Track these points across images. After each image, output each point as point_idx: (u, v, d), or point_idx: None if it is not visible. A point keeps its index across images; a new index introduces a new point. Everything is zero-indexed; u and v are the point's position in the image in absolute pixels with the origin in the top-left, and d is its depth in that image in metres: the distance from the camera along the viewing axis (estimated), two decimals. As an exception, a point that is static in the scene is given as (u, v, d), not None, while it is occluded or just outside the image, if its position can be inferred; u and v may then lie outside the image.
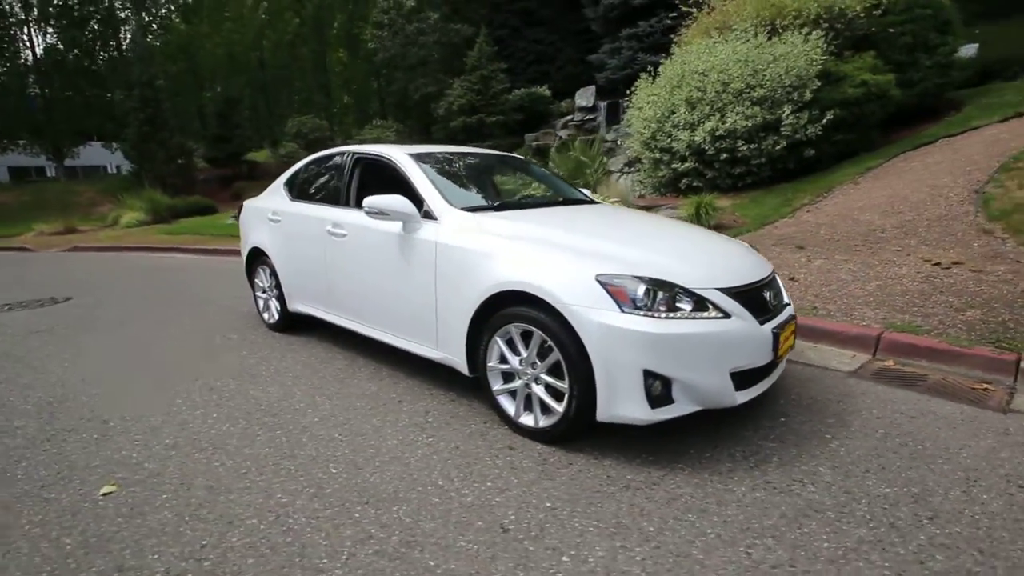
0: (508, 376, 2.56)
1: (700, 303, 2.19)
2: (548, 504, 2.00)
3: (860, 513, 1.90)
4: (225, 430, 2.66)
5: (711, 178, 8.15)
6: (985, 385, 2.93)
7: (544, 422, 2.40)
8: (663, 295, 2.16)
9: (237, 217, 4.78)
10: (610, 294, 2.15)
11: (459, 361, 2.74)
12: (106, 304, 5.72)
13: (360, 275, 3.31)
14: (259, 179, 18.30)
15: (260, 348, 3.95)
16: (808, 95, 7.33)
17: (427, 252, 2.80)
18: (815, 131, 7.36)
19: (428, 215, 2.90)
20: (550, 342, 2.29)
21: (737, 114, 7.50)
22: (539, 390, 2.41)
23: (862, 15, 8.03)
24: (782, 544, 1.76)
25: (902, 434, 2.43)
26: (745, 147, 7.60)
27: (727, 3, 9.03)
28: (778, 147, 7.54)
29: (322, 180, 3.92)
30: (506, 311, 2.43)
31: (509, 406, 2.54)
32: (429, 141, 18.21)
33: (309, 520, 1.95)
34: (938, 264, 4.32)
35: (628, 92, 10.30)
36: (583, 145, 10.02)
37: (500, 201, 3.24)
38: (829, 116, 7.31)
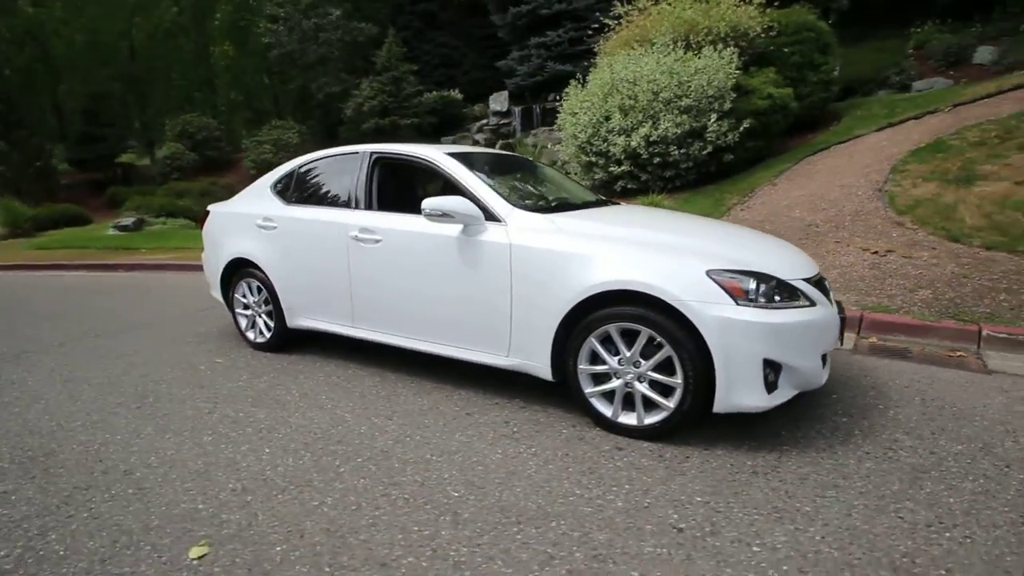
0: (600, 377, 2.54)
1: (792, 293, 2.36)
2: (699, 499, 2.03)
3: (956, 470, 2.17)
4: (294, 464, 2.35)
5: (645, 180, 8.67)
6: (958, 353, 3.47)
7: (650, 419, 2.43)
8: (766, 287, 2.30)
9: (203, 224, 4.15)
10: (724, 288, 2.24)
11: (539, 366, 2.67)
12: (24, 332, 4.72)
13: (400, 283, 3.09)
14: (138, 183, 16.10)
15: (262, 371, 3.51)
16: (728, 105, 8.09)
17: (499, 255, 2.70)
18: (734, 138, 8.15)
19: (491, 217, 2.79)
20: (660, 339, 2.32)
21: (668, 121, 8.06)
22: (643, 388, 2.43)
23: (761, 35, 9.03)
24: (920, 505, 1.95)
25: (934, 398, 2.80)
26: (676, 152, 8.19)
27: (645, 19, 9.66)
28: (704, 152, 8.22)
29: (329, 182, 3.60)
30: (606, 311, 2.42)
31: (604, 408, 2.53)
32: (336, 143, 17.29)
33: (472, 549, 1.80)
34: (876, 253, 5.01)
35: (553, 98, 10.62)
36: (524, 148, 10.10)
37: (556, 201, 3.21)
38: (745, 124, 8.13)
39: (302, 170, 3.75)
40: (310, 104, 16.97)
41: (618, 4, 10.51)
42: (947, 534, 1.80)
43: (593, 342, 2.49)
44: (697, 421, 2.42)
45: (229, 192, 15.69)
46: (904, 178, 6.57)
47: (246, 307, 3.96)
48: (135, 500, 2.13)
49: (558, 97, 10.63)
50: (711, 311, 2.21)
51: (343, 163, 3.56)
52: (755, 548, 1.76)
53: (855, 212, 6.05)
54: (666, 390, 2.39)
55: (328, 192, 3.57)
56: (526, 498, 2.07)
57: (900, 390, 2.91)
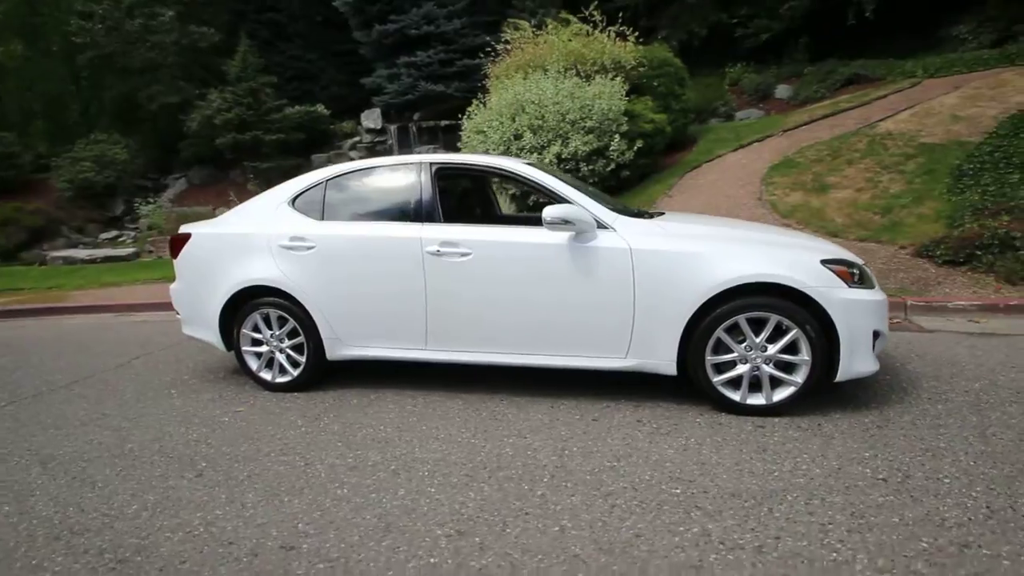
0: (722, 366, 2.77)
1: (864, 277, 2.87)
2: (866, 454, 2.36)
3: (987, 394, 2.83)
4: (481, 497, 2.15)
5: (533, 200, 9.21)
6: (895, 320, 4.43)
7: (777, 396, 2.72)
8: (859, 272, 2.77)
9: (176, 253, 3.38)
10: (837, 275, 2.65)
11: (662, 363, 2.81)
12: None
13: (495, 297, 2.97)
14: None
15: (309, 412, 3.05)
16: (624, 127, 9.03)
17: (619, 259, 2.78)
18: (630, 156, 9.11)
19: (600, 224, 2.86)
20: (787, 322, 2.64)
21: (577, 140, 8.71)
22: (770, 369, 2.72)
23: (635, 68, 10.26)
24: (1001, 425, 2.53)
25: (920, 354, 3.56)
26: (585, 168, 8.88)
27: (535, 47, 10.31)
28: (608, 168, 9.04)
29: (378, 196, 3.29)
30: (737, 302, 2.66)
31: (731, 393, 2.76)
32: (177, 159, 15.04)
33: (750, 534, 1.87)
34: (789, 249, 6.07)
35: (419, 117, 10.67)
36: None
37: (637, 209, 3.36)
38: (639, 144, 9.15)
39: (334, 183, 3.36)
40: (138, 115, 14.51)
41: (507, 30, 11.05)
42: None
43: (721, 333, 2.72)
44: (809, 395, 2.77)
45: (49, 220, 12.59)
46: (775, 188, 8.01)
47: (257, 343, 3.39)
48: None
49: (436, 117, 10.73)
50: (836, 295, 2.60)
51: (393, 175, 3.30)
52: (945, 480, 2.14)
53: (749, 217, 7.20)
54: (787, 369, 2.72)
55: (380, 206, 3.27)
56: (740, 481, 2.20)
57: (906, 356, 3.62)
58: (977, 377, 3.13)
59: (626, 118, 9.14)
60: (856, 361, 2.65)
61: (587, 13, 10.62)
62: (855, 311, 2.61)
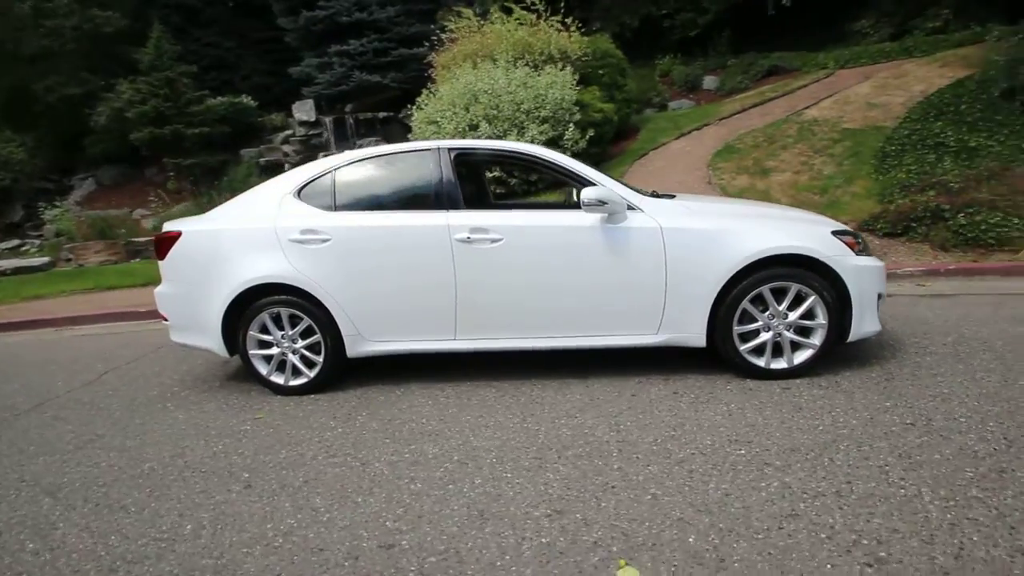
0: (749, 335, 2.95)
1: (865, 246, 3.13)
2: (888, 403, 2.61)
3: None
4: (563, 484, 2.17)
5: (513, 184, 9.25)
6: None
7: (797, 360, 2.94)
8: (861, 242, 3.03)
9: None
10: (846, 245, 2.89)
11: (692, 336, 2.95)
12: None
13: (529, 281, 2.98)
14: None
15: (338, 412, 2.94)
16: (577, 116, 9.21)
17: (651, 239, 2.88)
18: (583, 145, 9.32)
19: (628, 205, 2.94)
20: (805, 290, 2.85)
21: (534, 130, 8.79)
22: (790, 335, 2.92)
23: (581, 58, 10.47)
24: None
25: (910, 320, 3.94)
26: (542, 157, 8.98)
27: (482, 37, 10.26)
28: (563, 157, 9.20)
29: (395, 184, 3.19)
30: (762, 274, 2.84)
31: (758, 360, 2.95)
32: (79, 158, 13.60)
33: (841, 481, 2.03)
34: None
35: (351, 108, 10.41)
36: None
37: (653, 191, 3.44)
38: (591, 133, 9.37)
39: (344, 172, 3.21)
40: (33, 109, 12.98)
41: (451, 19, 10.90)
42: None
43: (747, 303, 2.89)
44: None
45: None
46: (722, 173, 8.49)
47: (265, 346, 3.19)
48: None
49: (373, 109, 10.44)
50: (848, 262, 2.84)
51: (408, 161, 3.21)
52: (961, 419, 2.41)
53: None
54: (804, 333, 2.94)
55: (397, 195, 3.17)
56: (792, 437, 2.36)
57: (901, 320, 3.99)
58: (947, 332, 3.52)
59: (577, 108, 9.32)
60: (865, 322, 2.91)
61: (529, 2, 10.68)
62: (864, 277, 2.87)
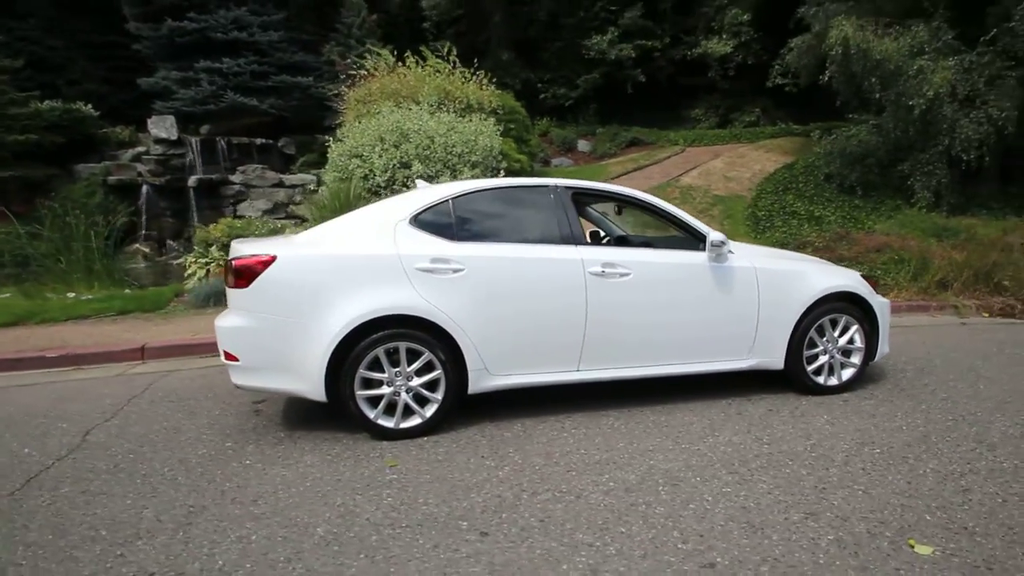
0: (811, 359, 3.54)
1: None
2: (921, 410, 3.37)
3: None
4: (818, 490, 2.42)
5: (441, 226, 9.28)
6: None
7: (845, 376, 3.60)
8: (878, 282, 3.88)
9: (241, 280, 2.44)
10: (871, 285, 3.69)
11: (774, 360, 3.46)
12: None
13: (648, 313, 3.19)
14: None
15: (496, 451, 2.75)
16: (504, 164, 9.70)
17: (749, 276, 3.35)
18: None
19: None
20: (851, 320, 3.55)
21: (468, 173, 9.02)
22: (840, 358, 3.59)
23: (496, 111, 11.11)
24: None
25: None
26: (472, 200, 9.22)
27: (403, 78, 10.31)
28: (489, 202, 9.55)
29: (513, 217, 3.17)
30: (824, 307, 3.47)
31: (818, 378, 3.55)
32: None
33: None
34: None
35: (207, 130, 9.77)
36: (337, 186, 8.77)
37: None
38: (513, 181, 9.91)
39: (462, 202, 3.12)
40: None
41: (367, 57, 10.74)
42: (980, 387, 3.75)
43: (813, 332, 3.49)
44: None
45: None
46: (631, 227, 9.59)
47: (371, 385, 2.87)
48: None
49: (246, 133, 9.80)
50: (876, 299, 3.62)
51: (525, 196, 3.27)
52: (979, 414, 3.23)
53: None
54: (847, 355, 3.63)
55: (522, 228, 3.16)
56: (890, 437, 2.93)
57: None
58: (911, 360, 4.58)
59: (502, 156, 9.81)
60: (882, 346, 3.71)
61: (443, 52, 11.07)
62: (884, 310, 3.69)
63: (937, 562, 1.90)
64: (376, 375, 2.87)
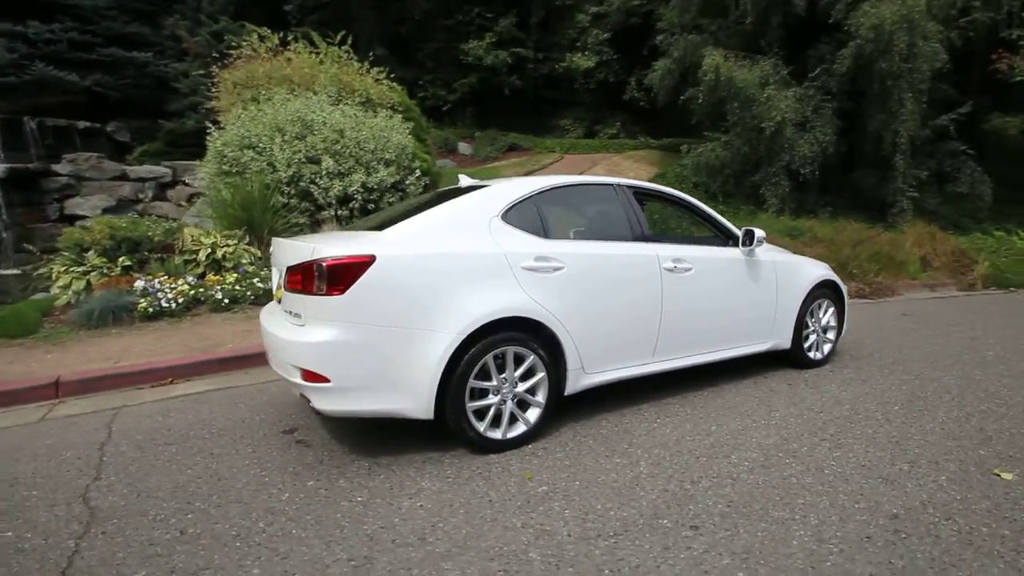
0: (805, 338, 4.10)
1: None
2: (924, 381, 4.12)
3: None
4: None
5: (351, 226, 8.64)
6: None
7: (826, 351, 4.23)
8: (825, 272, 4.62)
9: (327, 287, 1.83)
10: (838, 277, 4.39)
11: (784, 342, 3.93)
12: None
13: (705, 305, 3.41)
14: None
15: (627, 453, 2.71)
16: (417, 163, 9.36)
17: (769, 269, 3.76)
18: (419, 189, 9.49)
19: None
20: (829, 303, 4.19)
21: (383, 171, 8.53)
22: (822, 336, 4.21)
23: (396, 107, 10.65)
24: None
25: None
26: (388, 200, 8.74)
27: (294, 65, 9.36)
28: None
29: (586, 214, 3.13)
30: (817, 292, 4.05)
31: (811, 354, 4.12)
32: None
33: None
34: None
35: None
36: (240, 184, 7.37)
37: None
38: (426, 181, 9.62)
39: (543, 198, 2.99)
40: None
41: (248, 38, 9.47)
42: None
43: (807, 316, 4.05)
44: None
45: None
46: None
47: (478, 395, 2.64)
48: None
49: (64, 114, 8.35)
50: (841, 286, 4.32)
51: (596, 194, 3.29)
52: (955, 387, 4.07)
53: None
54: (826, 332, 4.28)
55: (599, 225, 3.15)
56: (885, 395, 3.56)
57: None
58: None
59: (413, 155, 9.43)
60: (844, 324, 4.45)
61: (335, 40, 10.33)
62: (844, 295, 4.42)
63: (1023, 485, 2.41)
64: (483, 384, 2.64)
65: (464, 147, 16.37)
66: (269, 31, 9.82)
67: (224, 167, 8.10)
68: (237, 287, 5.71)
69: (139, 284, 5.32)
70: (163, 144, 12.80)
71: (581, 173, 13.18)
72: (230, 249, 6.33)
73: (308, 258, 2.42)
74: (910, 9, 9.13)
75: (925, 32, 9.38)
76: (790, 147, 10.57)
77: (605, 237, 3.17)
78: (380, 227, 2.77)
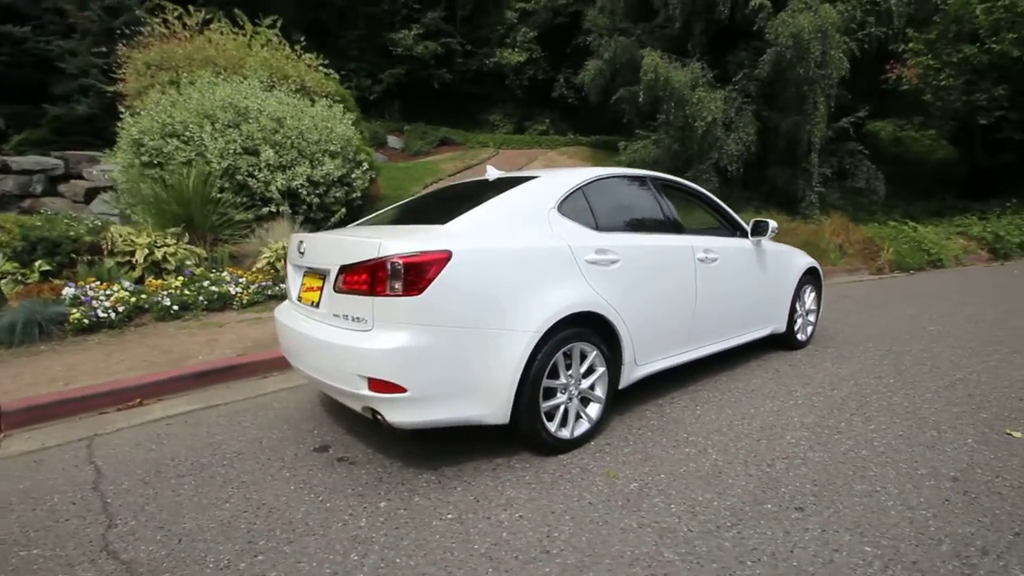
0: (795, 320, 4.36)
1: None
2: (908, 360, 4.50)
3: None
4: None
5: (304, 219, 8.05)
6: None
7: (809, 332, 4.54)
8: (799, 260, 4.96)
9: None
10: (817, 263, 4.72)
11: (782, 326, 4.16)
12: None
13: (728, 292, 3.51)
14: None
15: (694, 441, 2.70)
16: (363, 156, 8.88)
17: (772, 258, 3.96)
18: (364, 184, 9.02)
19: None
20: (812, 288, 4.50)
21: (329, 164, 8.00)
22: (809, 319, 4.51)
23: (331, 97, 10.03)
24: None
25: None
26: (335, 194, 8.21)
27: (218, 46, 8.52)
28: (350, 196, 8.63)
29: (624, 206, 3.09)
30: (804, 277, 4.32)
31: (801, 336, 4.40)
32: None
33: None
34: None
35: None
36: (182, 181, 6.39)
37: None
38: (372, 174, 9.16)
39: (590, 190, 2.91)
40: None
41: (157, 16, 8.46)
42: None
43: (797, 301, 4.32)
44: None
45: None
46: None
47: (547, 394, 2.52)
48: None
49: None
50: (821, 274, 4.65)
51: (631, 187, 3.26)
52: (941, 360, 4.50)
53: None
54: (807, 316, 4.58)
55: (638, 217, 3.12)
56: (881, 365, 3.88)
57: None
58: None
59: (357, 147, 8.92)
60: (821, 308, 4.80)
61: (263, 22, 9.56)
62: (822, 281, 4.77)
63: (1034, 443, 2.71)
64: (554, 383, 2.52)
65: (393, 140, 15.82)
66: (182, 8, 8.82)
67: (143, 158, 7.18)
68: (187, 291, 5.07)
69: (69, 291, 4.56)
70: (47, 132, 11.16)
71: (520, 168, 13.19)
72: (170, 249, 5.60)
73: (375, 255, 2.16)
74: (823, 20, 10.04)
75: (834, 42, 10.37)
76: (720, 145, 11.25)
77: (646, 229, 3.16)
78: (419, 222, 2.57)
